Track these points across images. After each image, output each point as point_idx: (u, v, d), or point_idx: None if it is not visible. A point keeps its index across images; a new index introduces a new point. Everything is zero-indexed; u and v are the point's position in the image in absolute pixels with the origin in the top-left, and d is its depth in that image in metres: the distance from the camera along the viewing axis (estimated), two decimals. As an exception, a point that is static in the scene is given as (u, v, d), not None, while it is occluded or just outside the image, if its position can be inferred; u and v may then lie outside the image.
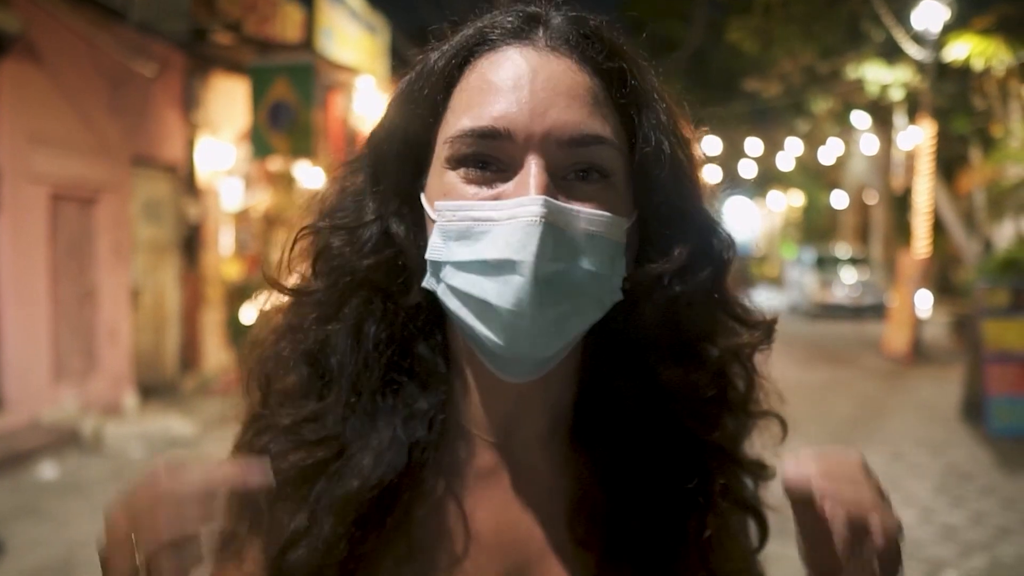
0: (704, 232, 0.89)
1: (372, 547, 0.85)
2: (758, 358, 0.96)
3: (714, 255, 0.89)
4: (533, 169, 0.80)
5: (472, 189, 0.82)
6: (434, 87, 0.86)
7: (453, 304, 0.83)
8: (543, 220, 0.77)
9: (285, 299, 0.95)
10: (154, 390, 10.26)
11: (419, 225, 0.87)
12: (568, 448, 0.91)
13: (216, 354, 11.58)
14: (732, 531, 0.93)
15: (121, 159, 9.87)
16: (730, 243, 0.92)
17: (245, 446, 0.93)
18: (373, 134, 0.92)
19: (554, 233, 0.78)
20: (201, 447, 8.08)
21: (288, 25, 12.56)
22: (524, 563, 0.89)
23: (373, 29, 15.67)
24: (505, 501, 0.90)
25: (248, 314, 10.54)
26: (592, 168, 0.82)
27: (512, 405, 0.90)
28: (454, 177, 0.83)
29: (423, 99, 0.87)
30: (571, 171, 0.82)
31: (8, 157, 8.04)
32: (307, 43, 12.51)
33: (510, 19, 0.87)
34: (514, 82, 0.82)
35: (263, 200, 12.65)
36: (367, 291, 0.89)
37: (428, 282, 0.85)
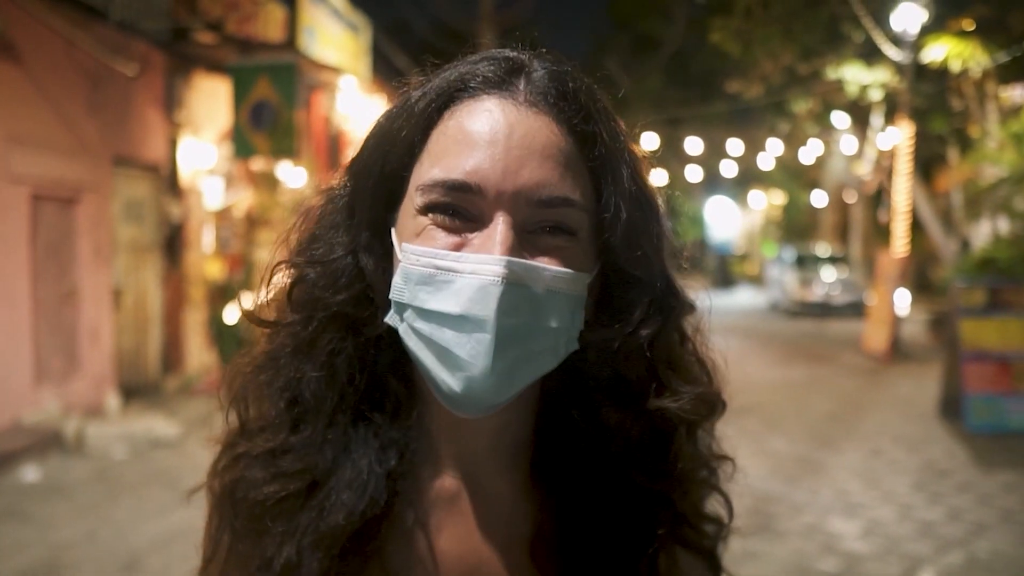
0: (656, 294, 0.90)
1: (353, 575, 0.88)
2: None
3: (660, 315, 0.90)
4: (500, 227, 0.80)
5: (440, 235, 0.83)
6: (412, 128, 0.87)
7: (414, 344, 0.85)
8: (504, 280, 0.78)
9: (278, 297, 0.96)
10: (136, 391, 10.21)
11: (388, 259, 0.88)
12: (528, 478, 0.94)
13: (199, 354, 11.54)
14: (684, 571, 0.95)
15: (102, 159, 9.81)
16: (681, 303, 0.94)
17: (221, 472, 0.95)
18: (352, 165, 0.93)
19: (515, 291, 0.79)
20: (184, 448, 8.06)
21: (270, 24, 12.51)
22: None
23: (355, 28, 15.64)
24: (469, 528, 0.92)
25: (230, 314, 10.50)
26: (559, 227, 0.84)
27: (472, 436, 0.92)
28: (424, 221, 0.84)
29: (401, 139, 0.87)
30: (538, 226, 0.83)
31: (-12, 157, 7.98)
32: (289, 42, 12.46)
33: (492, 67, 0.87)
34: (490, 136, 0.82)
35: (245, 199, 12.59)
36: (340, 325, 0.90)
37: (392, 319, 0.87)
